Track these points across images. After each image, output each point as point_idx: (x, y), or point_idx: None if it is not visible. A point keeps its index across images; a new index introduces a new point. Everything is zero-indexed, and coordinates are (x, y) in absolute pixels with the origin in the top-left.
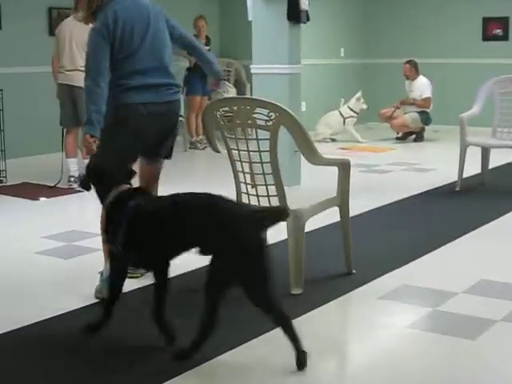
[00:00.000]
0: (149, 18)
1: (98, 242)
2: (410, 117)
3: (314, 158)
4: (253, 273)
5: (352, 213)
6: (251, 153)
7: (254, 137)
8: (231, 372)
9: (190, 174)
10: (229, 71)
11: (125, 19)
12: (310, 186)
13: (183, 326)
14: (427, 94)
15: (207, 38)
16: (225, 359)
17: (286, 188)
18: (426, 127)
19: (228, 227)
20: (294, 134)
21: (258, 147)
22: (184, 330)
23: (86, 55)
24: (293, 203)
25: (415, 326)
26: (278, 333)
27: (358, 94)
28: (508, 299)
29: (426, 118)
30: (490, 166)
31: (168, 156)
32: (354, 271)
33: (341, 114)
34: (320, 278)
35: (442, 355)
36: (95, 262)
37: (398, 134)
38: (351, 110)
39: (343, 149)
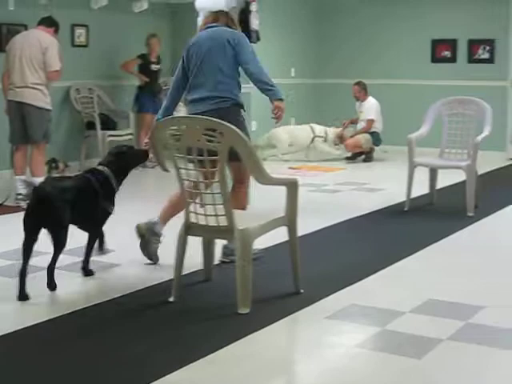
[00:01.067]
0: (208, 47)
1: (45, 260)
2: (363, 137)
3: (262, 177)
4: None
5: (300, 232)
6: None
7: (205, 156)
8: None
9: (139, 192)
10: None
11: (192, 48)
12: (260, 205)
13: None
14: (371, 115)
15: (158, 56)
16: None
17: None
18: (376, 148)
19: None
20: (242, 153)
21: (207, 167)
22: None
23: None
24: (241, 223)
25: (363, 346)
26: (219, 354)
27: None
28: (454, 318)
29: (376, 139)
30: (438, 187)
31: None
32: (301, 291)
33: (312, 130)
34: (268, 298)
35: (389, 375)
36: (43, 280)
37: (348, 154)
38: (324, 134)
39: (293, 168)
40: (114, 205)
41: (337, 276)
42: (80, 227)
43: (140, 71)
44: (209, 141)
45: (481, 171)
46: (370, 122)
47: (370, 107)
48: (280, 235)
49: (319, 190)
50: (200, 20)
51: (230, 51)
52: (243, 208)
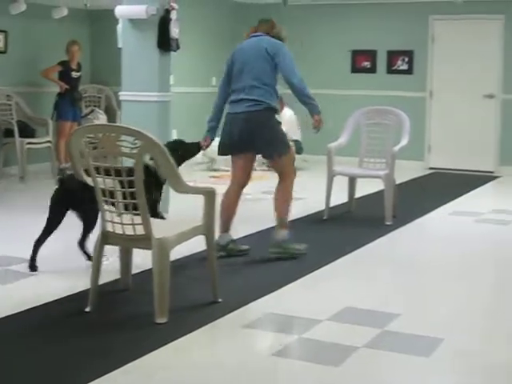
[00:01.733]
0: (247, 52)
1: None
2: (293, 145)
3: (180, 186)
4: None
5: None
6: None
7: (122, 164)
8: None
9: None
10: (99, 97)
11: (235, 56)
12: (179, 214)
13: None
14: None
15: (78, 64)
16: None
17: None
18: (297, 156)
19: None
20: (158, 161)
21: (124, 175)
22: None
23: None
24: (158, 231)
25: (279, 354)
26: (136, 365)
27: None
28: (371, 326)
29: (298, 147)
30: (357, 195)
31: (263, 155)
32: (220, 299)
33: None
34: (186, 307)
35: (305, 382)
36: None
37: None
38: None
39: (214, 177)
40: (161, 195)
41: (255, 285)
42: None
43: (60, 78)
44: (125, 148)
45: (399, 180)
46: None
47: (286, 118)
48: (198, 244)
49: (241, 198)
50: (120, 27)
51: (268, 60)
52: (287, 202)
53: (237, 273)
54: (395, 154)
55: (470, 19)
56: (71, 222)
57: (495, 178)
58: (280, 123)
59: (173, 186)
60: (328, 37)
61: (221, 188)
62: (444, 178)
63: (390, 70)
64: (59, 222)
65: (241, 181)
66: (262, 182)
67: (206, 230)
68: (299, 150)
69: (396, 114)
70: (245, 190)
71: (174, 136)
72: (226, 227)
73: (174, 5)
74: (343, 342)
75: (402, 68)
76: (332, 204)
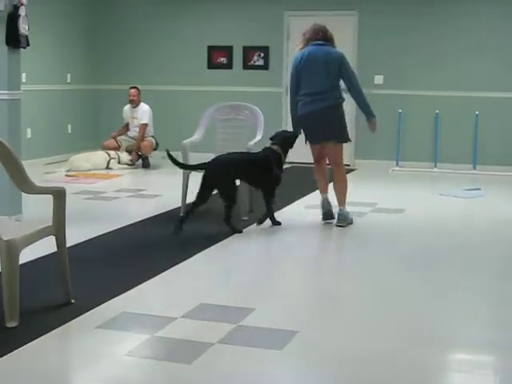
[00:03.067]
0: (316, 60)
1: None
2: (153, 139)
3: (27, 186)
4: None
5: (74, 241)
6: None
7: None
8: None
9: None
10: None
11: (304, 59)
12: (34, 214)
13: None
14: (145, 120)
15: None
16: None
17: (4, 217)
18: (153, 153)
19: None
20: (4, 161)
21: None
22: None
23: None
24: (6, 233)
25: (132, 354)
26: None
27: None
28: (225, 322)
29: (156, 143)
30: (215, 191)
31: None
32: (73, 301)
33: (108, 153)
34: (38, 309)
35: (160, 381)
36: None
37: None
38: (116, 155)
39: (69, 176)
40: (282, 171)
41: (109, 285)
42: (259, 187)
43: None
44: None
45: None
46: (144, 126)
47: (145, 112)
48: (50, 245)
49: (96, 197)
50: None
51: (336, 68)
52: (343, 183)
53: (90, 273)
54: (250, 148)
55: (324, 15)
56: None
57: (351, 171)
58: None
59: (19, 186)
60: (183, 32)
61: (76, 187)
62: (300, 172)
63: (246, 65)
64: (205, 197)
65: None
66: (117, 179)
67: (56, 230)
68: (157, 146)
69: (250, 109)
70: (98, 188)
71: (29, 135)
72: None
73: (24, 0)
74: (197, 338)
75: (258, 64)
76: (188, 200)
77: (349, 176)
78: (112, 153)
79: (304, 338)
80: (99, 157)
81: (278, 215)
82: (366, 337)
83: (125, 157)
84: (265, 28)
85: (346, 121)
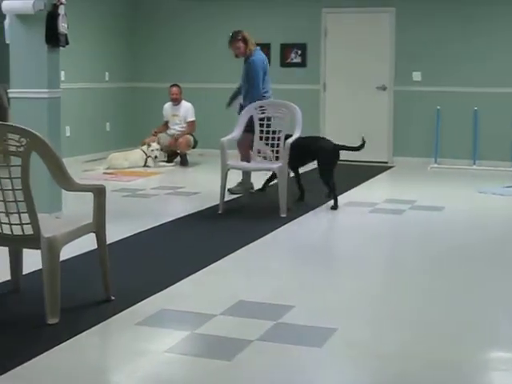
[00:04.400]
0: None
1: None
2: (190, 138)
3: (67, 184)
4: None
5: (113, 238)
6: (4, 180)
7: (8, 163)
8: None
9: None
10: None
11: (266, 62)
12: (73, 212)
13: None
14: (192, 117)
15: None
16: None
17: (45, 215)
18: (192, 150)
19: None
20: (45, 159)
21: (10, 174)
22: None
23: (254, 76)
24: (47, 230)
25: (172, 351)
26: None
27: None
28: (264, 319)
29: (194, 141)
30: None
31: None
32: (112, 298)
33: (144, 152)
34: (78, 306)
35: (199, 378)
36: None
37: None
38: (152, 153)
39: (108, 173)
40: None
41: (148, 281)
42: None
43: None
44: (11, 146)
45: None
46: (192, 122)
47: (188, 109)
48: (91, 242)
49: (134, 194)
50: (7, 23)
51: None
52: None
53: (129, 270)
54: (288, 146)
55: (362, 12)
56: None
57: (389, 168)
58: None
59: (60, 184)
60: (222, 30)
61: (115, 185)
62: (339, 169)
63: (284, 63)
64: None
65: None
66: (155, 177)
67: (97, 227)
68: (194, 144)
69: (287, 106)
70: (136, 186)
71: (68, 133)
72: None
73: None
74: (237, 335)
75: (295, 61)
76: (227, 198)
77: (387, 173)
78: (150, 150)
79: (343, 336)
80: (137, 155)
81: (316, 212)
82: (405, 334)
83: (162, 154)
84: (302, 25)
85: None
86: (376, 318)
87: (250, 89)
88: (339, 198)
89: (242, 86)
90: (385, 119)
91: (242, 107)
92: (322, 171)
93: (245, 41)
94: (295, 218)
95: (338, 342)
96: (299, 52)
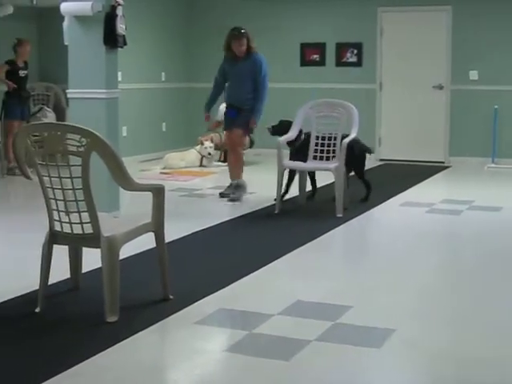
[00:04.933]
0: None
1: None
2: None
3: (127, 184)
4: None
5: (171, 237)
6: (64, 179)
7: (70, 163)
8: None
9: (6, 200)
10: (48, 95)
11: None
12: (131, 211)
13: None
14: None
15: (25, 62)
16: None
17: (104, 214)
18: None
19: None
20: (105, 159)
21: (70, 174)
22: None
23: (266, 74)
24: (107, 230)
25: (230, 350)
26: (86, 365)
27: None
28: (322, 319)
29: (251, 141)
30: (308, 188)
31: None
32: (171, 297)
33: (198, 152)
34: (137, 305)
35: (258, 377)
36: None
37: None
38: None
39: (164, 173)
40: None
41: (206, 281)
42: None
43: (7, 77)
44: (71, 146)
45: (350, 173)
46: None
47: None
48: (150, 241)
49: (191, 194)
50: (66, 24)
51: None
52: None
53: (187, 269)
54: (345, 146)
55: (417, 11)
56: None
57: (445, 168)
58: None
59: (120, 183)
60: (277, 30)
61: (171, 184)
62: (395, 169)
63: (340, 62)
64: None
65: None
66: (211, 177)
67: (156, 226)
68: (251, 144)
69: (345, 106)
70: (193, 186)
71: (125, 133)
72: None
73: (120, 1)
74: (295, 335)
75: (351, 60)
76: (283, 198)
77: (443, 173)
78: (203, 148)
79: (402, 337)
80: (193, 155)
81: (372, 212)
82: (465, 336)
83: (216, 152)
84: (358, 24)
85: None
86: (434, 318)
87: (262, 89)
88: (395, 198)
89: (231, 87)
90: (441, 119)
91: (231, 108)
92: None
93: (248, 39)
94: (351, 218)
95: (396, 342)
96: (355, 51)
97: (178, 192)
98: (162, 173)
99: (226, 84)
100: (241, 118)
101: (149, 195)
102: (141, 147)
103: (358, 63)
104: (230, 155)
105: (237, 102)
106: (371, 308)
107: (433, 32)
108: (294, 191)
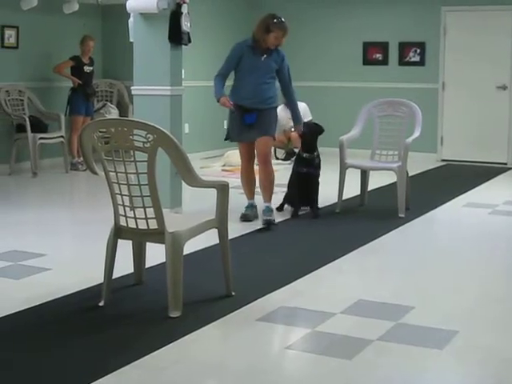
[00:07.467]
0: None
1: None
2: None
3: (192, 180)
4: None
5: (233, 235)
6: (129, 175)
7: (134, 159)
8: None
9: (70, 195)
10: (111, 92)
11: None
12: (192, 207)
13: None
14: (310, 116)
15: (91, 58)
16: None
17: (166, 210)
18: None
19: None
20: (171, 155)
21: (136, 169)
22: None
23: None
24: (171, 225)
25: (293, 347)
26: (148, 359)
27: None
28: (384, 319)
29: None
30: (369, 188)
31: None
32: (233, 293)
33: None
34: (199, 301)
35: (320, 375)
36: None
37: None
38: None
39: (226, 170)
40: None
41: (268, 278)
42: None
43: (72, 73)
44: (138, 143)
45: (412, 172)
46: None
47: (305, 109)
48: (211, 237)
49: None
50: (131, 22)
51: None
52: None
53: (249, 266)
54: (408, 146)
55: (481, 10)
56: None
57: (508, 169)
58: None
59: (186, 179)
60: (340, 29)
61: (232, 181)
62: (457, 169)
63: (402, 61)
64: None
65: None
66: None
67: (219, 223)
68: None
69: (408, 105)
70: None
71: (187, 130)
72: None
73: None
74: (357, 335)
75: (413, 60)
76: (345, 197)
77: (506, 174)
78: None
79: (465, 338)
80: None
81: (435, 213)
82: None
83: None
84: (421, 23)
85: None
86: (498, 320)
87: (292, 88)
88: (458, 198)
89: (246, 83)
90: (504, 119)
91: (246, 111)
92: None
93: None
94: (413, 219)
95: (459, 344)
96: (418, 51)
97: (239, 189)
98: (223, 170)
99: (236, 81)
100: (263, 121)
101: (208, 192)
102: (202, 144)
103: (421, 62)
104: (261, 171)
105: (255, 103)
106: (433, 309)
107: (497, 32)
108: (348, 191)
